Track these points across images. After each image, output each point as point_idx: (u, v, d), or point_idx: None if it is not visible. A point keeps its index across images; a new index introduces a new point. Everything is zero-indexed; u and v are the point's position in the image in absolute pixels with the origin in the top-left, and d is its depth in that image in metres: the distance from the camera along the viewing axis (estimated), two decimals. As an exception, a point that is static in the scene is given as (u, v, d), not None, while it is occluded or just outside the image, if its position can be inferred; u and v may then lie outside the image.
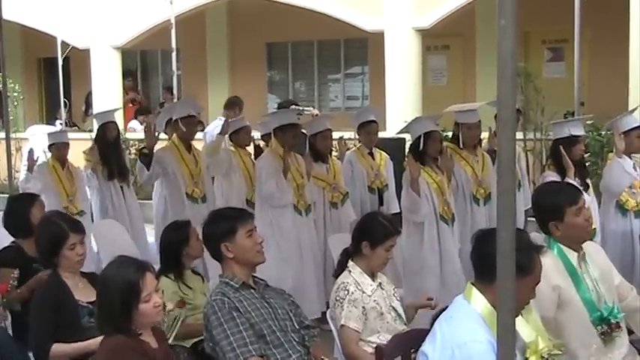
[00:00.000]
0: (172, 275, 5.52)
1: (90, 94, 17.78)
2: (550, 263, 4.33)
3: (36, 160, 9.19)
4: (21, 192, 8.88)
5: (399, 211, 7.90)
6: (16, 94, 16.77)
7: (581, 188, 6.42)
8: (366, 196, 8.58)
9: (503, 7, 2.70)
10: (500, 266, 2.85)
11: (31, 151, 9.35)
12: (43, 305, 4.80)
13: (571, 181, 6.62)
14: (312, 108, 10.41)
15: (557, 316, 4.40)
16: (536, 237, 4.58)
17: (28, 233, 6.06)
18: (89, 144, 9.75)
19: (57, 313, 4.75)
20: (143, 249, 8.59)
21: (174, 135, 8.45)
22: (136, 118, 17.11)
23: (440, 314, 3.82)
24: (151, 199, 9.77)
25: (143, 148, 8.25)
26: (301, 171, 7.97)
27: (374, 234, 5.06)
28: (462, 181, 7.77)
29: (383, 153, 8.83)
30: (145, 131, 8.38)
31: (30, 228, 6.08)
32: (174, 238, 5.67)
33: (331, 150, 8.65)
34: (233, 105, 11.02)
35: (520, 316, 3.73)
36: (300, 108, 9.87)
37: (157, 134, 8.39)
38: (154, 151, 8.18)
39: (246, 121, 9.10)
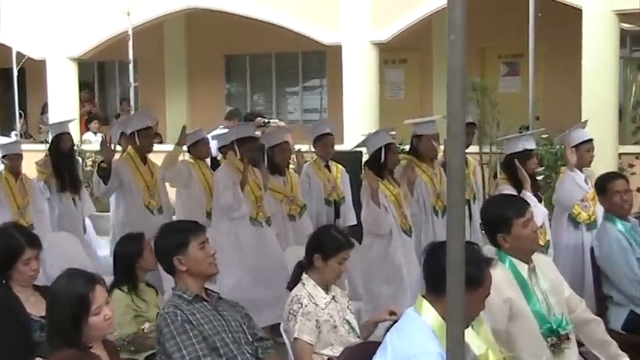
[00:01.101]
0: (126, 288, 5.49)
1: (46, 104, 17.64)
2: (501, 276, 4.37)
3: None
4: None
5: (355, 223, 7.93)
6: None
7: (534, 199, 6.55)
8: (322, 209, 8.60)
9: (452, 22, 2.73)
10: (450, 278, 2.87)
11: (-20, 164, 9.25)
12: (1, 322, 4.70)
13: (528, 194, 6.69)
14: (277, 120, 10.43)
15: (508, 328, 4.44)
16: (490, 250, 4.62)
17: None
18: (43, 155, 9.68)
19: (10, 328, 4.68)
20: (95, 262, 8.53)
21: (129, 147, 8.40)
22: (87, 126, 17.01)
23: (392, 326, 3.83)
24: (108, 211, 9.72)
25: (101, 162, 8.18)
26: (259, 183, 7.96)
27: (326, 247, 5.07)
28: (422, 193, 7.81)
29: (339, 165, 8.87)
30: (101, 145, 8.31)
31: None
32: (128, 251, 5.64)
33: (289, 163, 8.66)
34: (233, 116, 11.03)
35: (471, 328, 3.75)
36: (266, 120, 9.88)
37: (113, 147, 8.34)
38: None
39: (203, 133, 9.08)
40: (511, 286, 4.48)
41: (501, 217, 4.61)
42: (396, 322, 4.77)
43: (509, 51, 15.38)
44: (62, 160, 9.14)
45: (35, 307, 4.76)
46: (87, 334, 3.82)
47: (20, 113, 16.39)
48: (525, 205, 4.76)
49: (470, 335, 3.70)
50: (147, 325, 5.28)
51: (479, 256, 3.80)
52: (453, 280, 2.88)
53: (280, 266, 7.77)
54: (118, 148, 8.81)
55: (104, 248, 9.26)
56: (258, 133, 9.03)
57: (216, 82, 18.70)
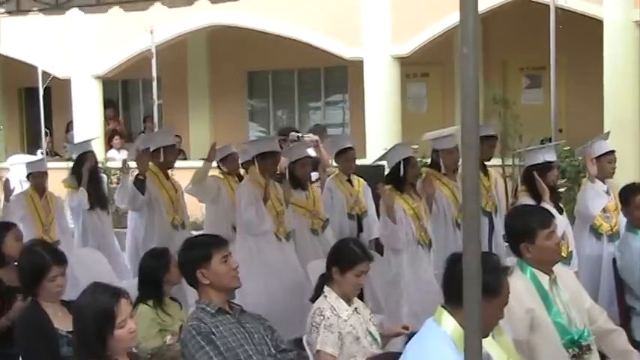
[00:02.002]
0: (151, 302, 5.54)
1: (71, 122, 17.82)
2: (523, 286, 4.41)
3: (12, 190, 9.17)
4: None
5: (378, 236, 7.96)
6: (-1, 125, 16.82)
7: (555, 211, 6.55)
8: (345, 223, 8.63)
9: (465, 35, 2.78)
10: (467, 289, 2.91)
11: (7, 182, 9.33)
12: (30, 338, 4.78)
13: (547, 206, 6.69)
14: (311, 135, 10.47)
15: (529, 339, 4.45)
16: (511, 260, 4.65)
17: (1, 262, 6.09)
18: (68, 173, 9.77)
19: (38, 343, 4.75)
20: (124, 276, 8.60)
21: (152, 163, 8.47)
22: (110, 144, 17.16)
23: (412, 336, 3.87)
24: (126, 227, 9.78)
25: (138, 174, 8.26)
26: (280, 198, 8.01)
27: (342, 260, 5.12)
28: (444, 206, 7.82)
29: (361, 179, 8.91)
30: (137, 157, 8.38)
31: (2, 257, 6.10)
32: (155, 265, 5.68)
33: (311, 177, 8.71)
34: (320, 132, 11.10)
35: (492, 338, 3.79)
36: (300, 134, 9.92)
37: (147, 160, 8.40)
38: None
39: (233, 148, 9.17)
40: (532, 297, 4.49)
41: (526, 228, 4.62)
42: (413, 334, 4.83)
43: (531, 63, 15.37)
44: (88, 180, 9.21)
45: (63, 322, 4.82)
46: (112, 347, 3.87)
47: (46, 131, 16.56)
48: (550, 217, 4.78)
49: (490, 345, 3.73)
50: (169, 337, 5.33)
51: (496, 264, 3.83)
52: (469, 291, 2.92)
53: (300, 281, 7.83)
54: (133, 164, 8.85)
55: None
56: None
57: (239, 98, 18.81)
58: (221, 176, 8.93)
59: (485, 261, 3.02)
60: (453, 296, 3.71)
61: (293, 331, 6.95)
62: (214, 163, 8.82)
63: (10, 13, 10.05)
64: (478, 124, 2.84)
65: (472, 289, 2.89)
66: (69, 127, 18.33)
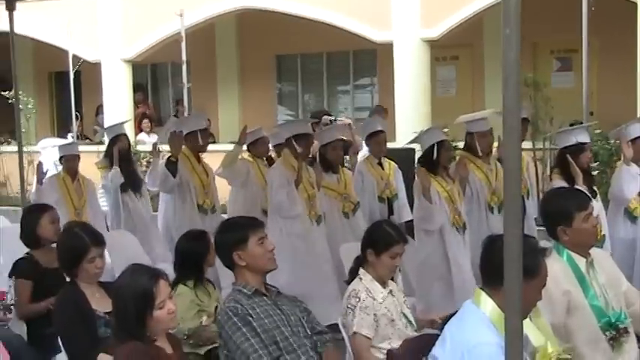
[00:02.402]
0: (190, 283, 5.58)
1: (100, 106, 17.92)
2: (560, 269, 4.40)
3: (45, 173, 9.23)
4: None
5: (411, 219, 7.96)
6: (30, 106, 16.89)
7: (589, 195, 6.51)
8: (375, 206, 8.63)
9: (507, 16, 2.78)
10: (508, 271, 2.93)
11: (40, 165, 9.39)
12: (69, 319, 4.84)
13: (580, 189, 6.65)
14: (343, 118, 10.46)
15: (566, 322, 4.44)
16: (546, 243, 4.64)
17: (37, 244, 6.15)
18: (100, 156, 9.82)
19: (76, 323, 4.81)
20: (161, 258, 8.64)
21: (184, 147, 8.51)
22: (140, 127, 17.23)
23: (450, 318, 3.88)
24: (156, 210, 9.83)
25: (170, 156, 8.30)
26: (312, 181, 8.02)
27: (378, 242, 5.13)
28: (477, 189, 7.80)
29: (391, 162, 8.89)
30: (169, 140, 8.41)
31: (38, 239, 6.16)
32: (196, 247, 5.69)
33: (343, 160, 8.70)
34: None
35: (529, 320, 3.79)
36: (333, 117, 9.92)
37: (180, 143, 8.44)
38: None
39: (263, 132, 9.19)
40: (569, 280, 4.48)
41: (563, 210, 4.60)
42: (451, 315, 4.84)
43: (562, 46, 15.26)
44: (121, 161, 9.26)
45: (100, 304, 4.88)
46: (151, 328, 3.92)
47: (76, 115, 16.66)
48: (587, 199, 4.76)
49: (528, 327, 3.73)
50: (204, 318, 5.37)
51: (534, 246, 3.82)
52: (510, 273, 2.94)
53: (330, 264, 7.86)
54: (165, 147, 8.88)
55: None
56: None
57: (268, 81, 18.82)
58: (250, 159, 8.95)
59: (524, 243, 3.02)
60: (491, 278, 3.72)
61: (324, 314, 6.98)
62: (244, 147, 8.85)
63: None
64: (519, 107, 2.84)
65: (513, 272, 2.90)
66: (98, 110, 18.43)
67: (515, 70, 2.78)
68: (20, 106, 10.04)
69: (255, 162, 8.93)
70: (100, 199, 9.67)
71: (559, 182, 7.11)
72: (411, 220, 7.93)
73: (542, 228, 5.04)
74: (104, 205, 9.72)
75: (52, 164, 10.42)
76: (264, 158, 9.18)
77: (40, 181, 9.11)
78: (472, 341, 3.62)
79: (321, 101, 18.60)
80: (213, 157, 8.80)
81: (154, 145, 8.90)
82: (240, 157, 8.77)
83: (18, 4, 8.88)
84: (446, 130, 8.10)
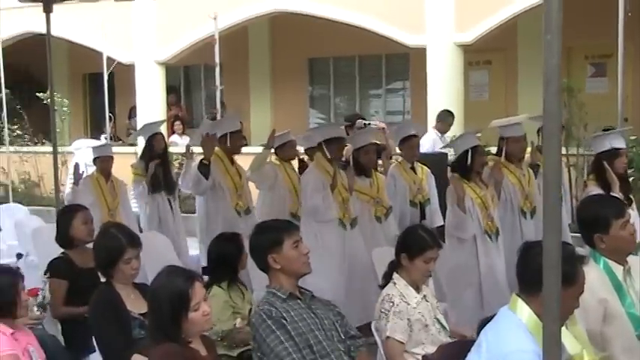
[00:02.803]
0: (224, 285, 5.59)
1: (133, 108, 18.03)
2: (596, 277, 4.36)
3: (82, 174, 9.30)
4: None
5: (442, 224, 7.93)
6: (65, 108, 17.03)
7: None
8: (406, 211, 8.60)
9: (548, 22, 2.75)
10: (547, 278, 2.90)
11: (76, 166, 9.46)
12: (104, 319, 4.87)
13: (616, 195, 6.60)
14: (377, 122, 10.44)
15: (602, 330, 4.41)
16: (581, 251, 4.60)
17: (71, 245, 6.19)
18: (134, 158, 9.89)
19: (111, 324, 4.83)
20: (186, 262, 8.69)
21: (218, 148, 8.53)
22: (172, 129, 17.31)
23: (485, 324, 3.86)
24: (192, 212, 9.88)
25: (202, 159, 8.33)
26: (346, 185, 8.01)
27: (412, 246, 5.13)
28: (510, 194, 7.76)
29: (424, 167, 8.87)
30: (202, 142, 8.44)
31: (72, 240, 6.20)
32: (229, 249, 5.73)
33: (376, 164, 8.69)
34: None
35: (565, 329, 3.76)
36: (367, 122, 9.89)
37: (214, 145, 8.45)
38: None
39: (291, 136, 9.19)
40: (606, 287, 4.44)
41: (600, 217, 4.57)
42: (487, 321, 4.81)
43: (597, 51, 15.15)
44: (157, 160, 9.31)
45: (135, 305, 4.91)
46: (186, 330, 3.94)
47: (110, 116, 16.77)
48: (624, 207, 4.75)
49: (564, 335, 3.70)
50: (238, 320, 5.39)
51: (572, 253, 3.79)
52: (549, 280, 2.91)
53: (365, 268, 7.83)
54: (198, 149, 8.90)
55: (192, 249, 9.42)
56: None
57: (300, 84, 18.84)
58: (278, 163, 8.95)
59: (562, 250, 3.00)
60: (527, 285, 3.70)
61: (357, 318, 6.98)
62: (272, 150, 8.85)
63: (80, -1, 10.18)
64: (560, 112, 2.82)
65: (552, 279, 2.88)
66: (131, 112, 18.55)
67: (556, 76, 2.76)
68: (55, 107, 10.08)
69: (282, 165, 8.92)
70: (131, 200, 9.75)
71: (594, 189, 7.05)
72: (443, 225, 7.91)
73: (576, 234, 5.01)
74: (135, 207, 9.79)
75: (84, 165, 10.49)
76: (297, 161, 9.19)
77: (76, 182, 9.18)
78: (508, 348, 3.60)
79: (352, 105, 18.59)
80: (245, 159, 8.81)
81: (188, 147, 8.92)
82: (268, 160, 8.78)
83: (54, 6, 8.94)
84: (479, 134, 8.06)
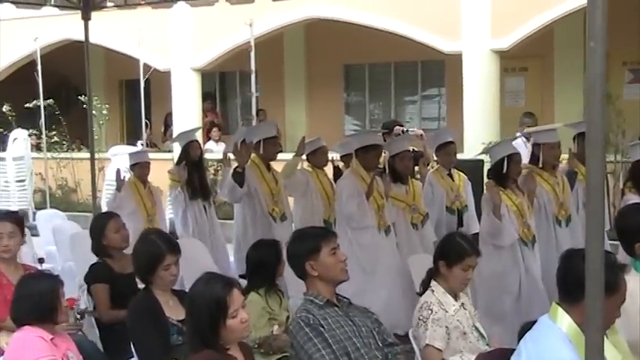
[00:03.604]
0: (262, 291, 5.60)
1: (169, 114, 18.14)
2: (637, 285, 4.31)
3: (124, 180, 9.36)
4: (104, 211, 9.11)
5: (478, 231, 7.89)
6: (105, 112, 17.19)
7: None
8: (443, 217, 8.59)
9: (593, 29, 2.74)
10: (589, 286, 2.88)
11: (118, 171, 9.52)
12: (142, 325, 4.89)
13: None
14: (416, 128, 10.42)
15: (643, 340, 4.37)
16: (624, 259, 4.57)
17: (105, 254, 6.22)
18: (169, 164, 9.94)
19: (150, 330, 4.85)
20: (226, 268, 8.71)
21: (254, 155, 8.56)
22: (208, 135, 17.38)
23: (525, 333, 3.83)
24: (229, 218, 9.91)
25: (237, 167, 8.36)
26: (381, 192, 8.00)
27: (450, 254, 5.11)
28: (545, 202, 7.69)
29: (461, 174, 8.85)
30: (234, 150, 8.47)
31: (105, 249, 6.23)
32: (269, 256, 5.71)
33: (413, 171, 8.68)
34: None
35: (606, 338, 3.72)
36: (405, 128, 9.87)
37: (248, 153, 8.47)
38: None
39: (322, 142, 9.18)
40: (646, 296, 4.40)
41: None
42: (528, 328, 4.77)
43: (634, 58, 15.00)
44: (193, 168, 9.37)
45: (173, 311, 4.93)
46: (224, 337, 3.93)
47: (146, 123, 16.88)
48: (665, 214, 4.69)
49: (605, 345, 3.66)
50: (275, 327, 5.39)
51: (613, 262, 3.76)
52: (592, 288, 2.89)
53: (401, 275, 7.81)
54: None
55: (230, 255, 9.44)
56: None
57: (335, 91, 18.84)
58: (309, 169, 8.95)
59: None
60: (568, 293, 3.67)
61: (394, 325, 6.96)
62: (304, 157, 8.86)
63: (118, 6, 10.27)
64: (604, 121, 2.80)
65: (594, 287, 2.86)
66: (167, 118, 18.66)
67: (600, 83, 2.76)
68: (94, 112, 10.20)
69: (314, 172, 8.92)
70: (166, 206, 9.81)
71: (632, 196, 6.99)
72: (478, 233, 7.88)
73: (614, 242, 4.97)
74: (170, 213, 9.84)
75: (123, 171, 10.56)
76: (332, 168, 9.19)
77: (119, 188, 9.24)
78: (549, 358, 3.57)
79: (388, 111, 18.57)
80: (280, 165, 8.84)
81: (225, 154, 8.94)
82: (299, 167, 8.78)
83: (92, 14, 9.04)
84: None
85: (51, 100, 15.91)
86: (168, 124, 18.69)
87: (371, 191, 7.81)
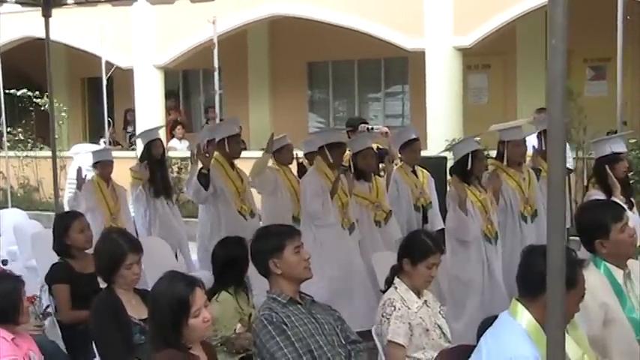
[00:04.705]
0: (231, 290, 5.56)
1: (129, 110, 18.04)
2: (597, 281, 4.36)
3: (84, 178, 9.29)
4: (67, 210, 9.03)
5: (442, 227, 7.92)
6: (63, 113, 17.04)
7: (625, 206, 6.44)
8: (412, 214, 8.59)
9: (553, 26, 2.76)
10: (550, 282, 2.90)
11: (79, 170, 9.44)
12: (105, 325, 4.85)
13: (617, 200, 6.58)
14: (381, 126, 10.43)
15: (603, 334, 4.40)
16: (584, 254, 4.60)
17: (68, 254, 6.17)
18: (133, 162, 9.87)
19: (112, 329, 4.82)
20: (189, 266, 8.67)
21: (217, 153, 8.53)
22: (172, 133, 17.29)
23: (484, 327, 3.85)
24: (192, 216, 9.86)
25: (201, 168, 8.30)
26: (345, 189, 8.00)
27: (414, 251, 5.10)
28: (510, 198, 7.73)
29: (424, 171, 8.87)
30: (197, 153, 8.42)
31: (68, 248, 6.18)
32: (237, 253, 5.65)
33: (377, 168, 8.68)
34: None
35: (567, 334, 3.75)
36: (370, 126, 9.87)
37: (208, 154, 8.43)
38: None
39: (288, 140, 9.18)
40: (606, 292, 4.44)
41: (599, 223, 4.58)
42: (487, 326, 4.79)
43: (596, 55, 15.15)
44: (155, 166, 9.32)
45: (136, 310, 4.90)
46: (187, 336, 3.92)
47: (109, 121, 16.76)
48: (622, 210, 4.74)
49: (566, 340, 3.69)
50: (238, 326, 5.37)
51: (571, 257, 3.78)
52: (553, 284, 2.91)
53: (362, 273, 7.82)
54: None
55: (193, 253, 9.40)
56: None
57: (299, 88, 18.84)
58: (277, 167, 8.94)
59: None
60: (528, 288, 3.69)
61: (356, 323, 6.96)
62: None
63: (78, 3, 10.18)
64: (564, 118, 2.82)
65: (556, 283, 2.88)
66: (127, 115, 18.55)
67: (561, 81, 2.77)
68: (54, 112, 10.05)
69: (281, 169, 8.91)
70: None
71: (596, 193, 7.04)
72: (443, 229, 7.89)
73: (574, 238, 5.01)
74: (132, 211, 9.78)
75: (85, 170, 10.47)
76: (296, 165, 9.18)
77: (79, 186, 9.17)
78: (508, 353, 3.59)
79: (352, 108, 18.60)
80: (245, 163, 8.80)
81: (192, 153, 8.88)
82: (268, 165, 8.76)
83: (53, 11, 8.95)
84: (478, 138, 8.07)
85: (8, 92, 15.72)
86: (128, 120, 18.60)
87: (335, 189, 7.81)
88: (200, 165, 8.38)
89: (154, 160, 9.35)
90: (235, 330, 5.36)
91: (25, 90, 16.84)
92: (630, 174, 9.38)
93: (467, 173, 7.30)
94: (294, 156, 9.25)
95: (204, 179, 8.21)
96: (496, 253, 7.36)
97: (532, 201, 7.75)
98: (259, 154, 8.84)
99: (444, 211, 8.72)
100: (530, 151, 8.21)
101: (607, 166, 7.02)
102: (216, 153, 8.49)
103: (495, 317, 3.87)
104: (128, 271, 4.97)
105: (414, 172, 8.71)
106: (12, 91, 16.00)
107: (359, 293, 7.73)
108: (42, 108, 14.67)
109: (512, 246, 7.50)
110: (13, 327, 4.62)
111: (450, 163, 8.72)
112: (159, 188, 9.29)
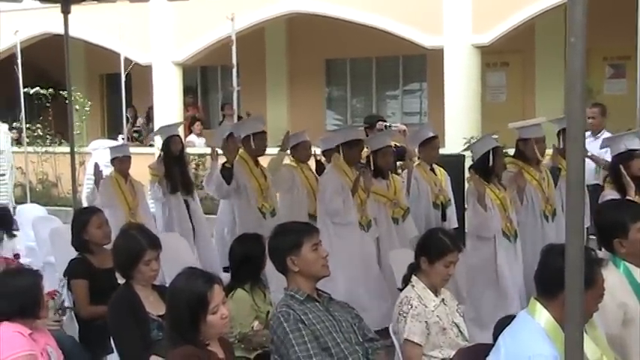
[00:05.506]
0: (247, 287, 5.56)
1: (151, 108, 18.07)
2: (616, 280, 4.34)
3: (101, 174, 9.31)
4: (85, 206, 9.05)
5: (457, 226, 7.90)
6: (87, 108, 17.11)
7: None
8: (431, 212, 8.57)
9: (573, 24, 2.75)
10: (569, 282, 2.89)
11: (96, 166, 9.47)
12: (123, 320, 4.87)
13: (631, 199, 6.55)
14: (399, 124, 10.42)
15: (621, 334, 4.39)
16: (603, 254, 4.58)
17: (87, 249, 6.19)
18: (151, 158, 9.89)
19: (130, 325, 4.83)
20: (211, 261, 8.67)
21: (242, 150, 8.53)
22: (190, 129, 17.32)
23: (503, 329, 3.84)
24: (211, 213, 9.86)
25: (225, 162, 8.31)
26: (363, 187, 7.99)
27: (431, 250, 5.09)
28: (532, 197, 7.71)
29: (441, 169, 8.84)
30: (223, 146, 8.43)
31: (87, 244, 6.20)
32: (254, 251, 5.65)
33: (395, 166, 8.66)
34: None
35: (585, 333, 3.73)
36: (387, 124, 9.85)
37: (237, 148, 8.42)
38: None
39: (305, 136, 9.16)
40: (625, 291, 4.42)
41: (618, 222, 4.56)
42: (504, 326, 4.78)
43: (615, 53, 15.08)
44: (174, 162, 9.33)
45: (154, 306, 4.91)
46: (204, 332, 3.93)
47: (127, 117, 16.81)
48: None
49: (584, 340, 3.68)
50: (256, 323, 5.37)
51: (590, 256, 3.76)
52: (571, 284, 2.90)
53: (379, 271, 7.81)
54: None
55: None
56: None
57: (317, 85, 18.85)
58: (294, 164, 8.93)
59: (583, 253, 2.98)
60: (546, 288, 3.68)
61: (373, 321, 6.95)
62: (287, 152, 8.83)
63: (98, 0, 10.20)
64: (584, 116, 2.81)
65: (574, 283, 2.87)
66: (149, 113, 18.60)
67: (580, 78, 2.76)
68: (76, 107, 10.12)
69: (299, 167, 8.89)
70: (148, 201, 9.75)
71: (611, 193, 6.99)
72: (458, 228, 7.86)
73: (592, 237, 4.99)
74: (152, 207, 9.79)
75: (104, 166, 10.51)
76: (315, 162, 9.17)
77: (97, 183, 9.20)
78: (527, 353, 3.58)
79: (369, 106, 18.59)
80: (264, 160, 8.81)
81: (213, 148, 8.87)
82: (284, 162, 8.76)
83: (72, 7, 8.97)
84: (496, 136, 8.04)
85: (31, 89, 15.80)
86: (150, 117, 18.65)
87: (356, 188, 7.80)
88: (222, 160, 8.38)
89: (172, 156, 9.36)
90: (253, 327, 5.36)
91: (37, 88, 16.87)
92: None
93: (488, 171, 7.28)
94: (312, 153, 9.24)
95: (227, 173, 8.21)
96: (515, 252, 7.34)
97: (552, 200, 7.72)
98: (276, 151, 8.84)
99: (460, 210, 8.72)
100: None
101: (621, 166, 6.95)
102: (240, 150, 8.49)
103: (513, 316, 3.86)
104: (146, 267, 4.98)
105: (432, 169, 8.69)
106: (35, 89, 16.08)
107: (376, 291, 7.72)
108: (65, 101, 14.70)
109: (533, 244, 7.45)
110: (32, 321, 4.63)
111: (468, 161, 8.70)
112: (175, 184, 9.28)
